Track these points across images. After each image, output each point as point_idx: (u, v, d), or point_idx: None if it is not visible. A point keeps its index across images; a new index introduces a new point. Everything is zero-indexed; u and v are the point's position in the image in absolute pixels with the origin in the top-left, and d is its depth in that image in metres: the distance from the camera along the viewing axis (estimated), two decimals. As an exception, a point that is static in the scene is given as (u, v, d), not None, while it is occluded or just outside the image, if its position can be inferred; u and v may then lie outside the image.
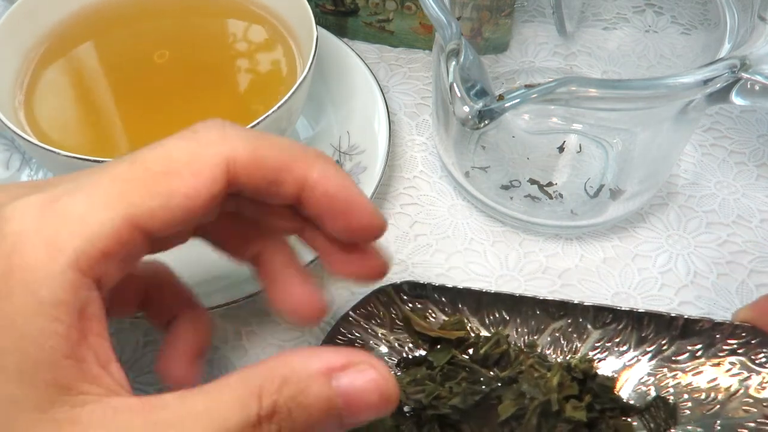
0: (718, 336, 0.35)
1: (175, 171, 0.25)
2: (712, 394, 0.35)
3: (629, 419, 0.35)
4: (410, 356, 0.37)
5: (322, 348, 0.25)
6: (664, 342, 0.36)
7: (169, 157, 0.25)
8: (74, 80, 0.44)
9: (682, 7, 0.47)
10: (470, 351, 0.37)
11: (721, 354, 0.35)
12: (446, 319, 0.38)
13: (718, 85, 0.33)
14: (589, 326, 0.37)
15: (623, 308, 0.36)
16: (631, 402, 0.35)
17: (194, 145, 0.26)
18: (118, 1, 0.47)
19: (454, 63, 0.32)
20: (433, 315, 0.38)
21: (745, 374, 0.35)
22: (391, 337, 0.37)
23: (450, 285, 0.38)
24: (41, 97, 0.43)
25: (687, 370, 0.35)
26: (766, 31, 0.34)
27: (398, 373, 0.36)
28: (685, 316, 0.35)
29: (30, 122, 0.42)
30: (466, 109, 0.30)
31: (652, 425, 0.34)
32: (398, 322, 0.38)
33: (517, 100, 0.31)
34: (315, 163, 0.28)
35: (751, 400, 0.34)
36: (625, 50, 0.51)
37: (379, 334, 0.37)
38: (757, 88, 0.33)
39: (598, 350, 0.36)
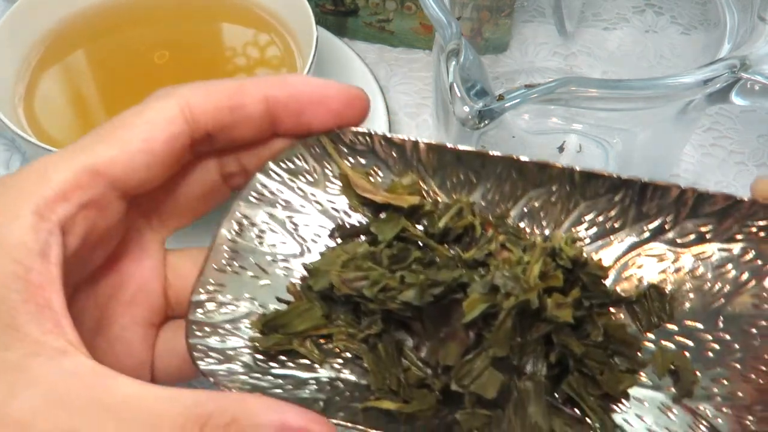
0: (733, 215, 0.28)
1: (129, 123, 0.27)
2: (718, 285, 0.29)
3: (619, 315, 0.29)
4: (348, 224, 0.30)
5: (283, 403, 0.23)
6: (668, 220, 0.29)
7: (124, 115, 0.27)
8: (74, 80, 0.44)
9: (682, 7, 0.47)
10: (425, 223, 0.30)
11: (734, 238, 0.28)
12: (396, 179, 0.30)
13: (718, 85, 0.33)
14: (576, 196, 0.29)
15: (622, 177, 0.29)
16: (621, 293, 0.29)
17: (146, 102, 0.28)
18: (118, 1, 0.47)
19: (454, 63, 0.32)
20: (380, 174, 0.30)
21: (760, 263, 0.28)
22: (324, 199, 0.30)
23: (402, 136, 0.30)
24: (41, 96, 0.43)
25: (692, 255, 0.29)
26: (766, 31, 0.34)
27: (332, 246, 0.30)
28: (698, 190, 0.28)
29: (30, 122, 0.42)
30: (466, 109, 0.31)
31: (642, 320, 0.29)
32: (333, 181, 0.30)
33: (517, 100, 0.31)
34: (265, 78, 0.29)
35: (764, 294, 0.28)
36: (625, 50, 0.51)
37: (309, 195, 0.30)
38: (757, 88, 0.33)
39: (585, 225, 0.30)
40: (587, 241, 0.30)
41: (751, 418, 0.27)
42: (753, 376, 0.27)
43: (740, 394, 0.27)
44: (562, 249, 0.27)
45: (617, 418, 0.27)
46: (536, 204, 0.30)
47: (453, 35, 0.33)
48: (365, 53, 0.53)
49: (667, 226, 0.29)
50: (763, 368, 0.27)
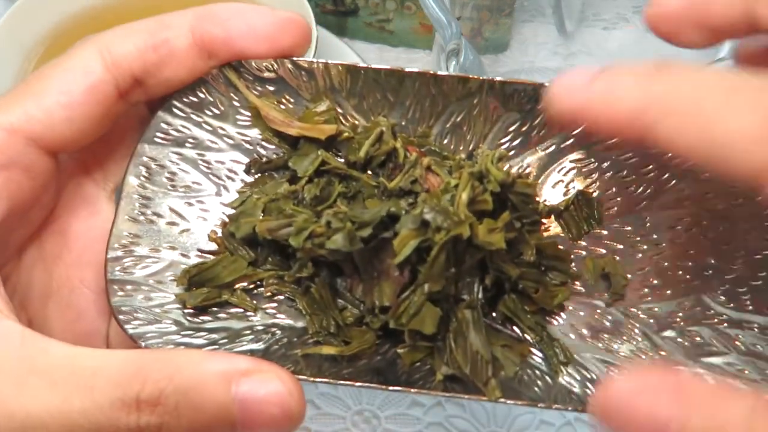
0: None
1: (46, 75, 0.25)
2: (643, 186, 0.28)
3: (549, 225, 0.28)
4: (264, 157, 0.29)
5: (228, 353, 0.22)
6: None
7: (43, 68, 0.26)
8: (74, 80, 0.44)
9: (682, 7, 0.47)
10: (344, 152, 0.29)
11: None
12: (309, 106, 0.28)
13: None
14: (499, 107, 0.28)
15: (545, 83, 0.27)
16: (550, 204, 0.29)
17: (66, 53, 0.26)
18: (118, 1, 0.47)
19: (454, 63, 0.32)
20: (291, 101, 0.29)
21: (680, 160, 0.28)
22: (234, 132, 0.29)
23: (311, 59, 0.28)
24: (41, 97, 0.43)
25: (618, 158, 0.28)
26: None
27: (249, 183, 0.29)
28: None
29: (30, 122, 0.42)
30: (466, 108, 0.30)
31: (572, 228, 0.28)
32: (243, 112, 0.29)
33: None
34: (189, 10, 0.27)
35: (686, 191, 0.28)
36: (625, 50, 0.51)
37: (217, 129, 0.28)
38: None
39: (509, 137, 0.29)
40: (512, 153, 0.29)
41: (681, 314, 0.27)
42: (680, 272, 0.27)
43: (669, 292, 0.27)
44: (489, 171, 0.26)
45: (555, 331, 0.27)
46: (458, 119, 0.29)
47: (453, 35, 0.33)
48: (365, 53, 0.53)
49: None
50: (690, 264, 0.27)
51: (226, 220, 0.28)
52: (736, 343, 0.26)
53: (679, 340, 0.27)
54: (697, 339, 0.26)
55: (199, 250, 0.28)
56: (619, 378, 0.19)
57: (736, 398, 0.18)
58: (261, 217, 0.27)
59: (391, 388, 0.25)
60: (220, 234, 0.28)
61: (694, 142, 0.19)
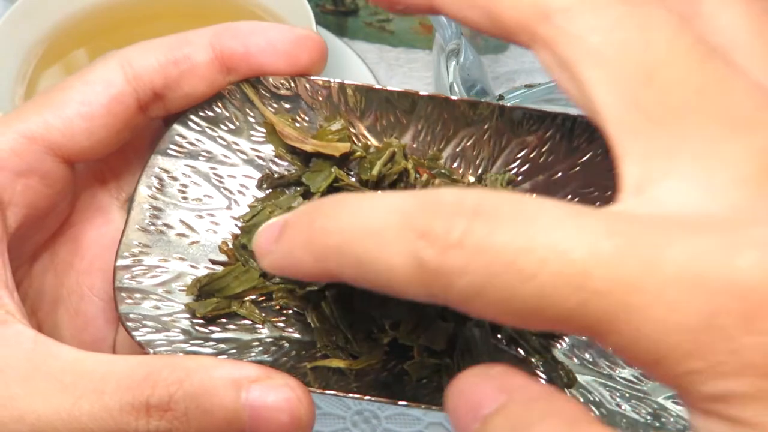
0: None
1: (68, 86, 0.26)
2: None
3: None
4: (276, 173, 0.29)
5: (238, 360, 0.22)
6: (598, 153, 0.29)
7: (66, 79, 0.26)
8: (74, 80, 0.44)
9: (682, 7, 0.47)
10: (356, 170, 0.29)
11: None
12: (323, 124, 0.29)
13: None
14: (508, 133, 0.29)
15: (551, 111, 0.28)
16: None
17: (89, 65, 0.26)
18: (118, 1, 0.47)
19: (454, 63, 0.32)
20: (306, 119, 0.29)
21: None
22: (248, 148, 0.29)
23: (327, 78, 0.29)
24: (41, 97, 0.43)
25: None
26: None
27: (261, 197, 0.29)
28: None
29: (30, 122, 0.42)
30: (466, 109, 0.31)
31: None
32: (257, 128, 0.29)
33: (517, 100, 0.31)
34: (210, 27, 0.27)
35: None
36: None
37: (231, 144, 0.29)
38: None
39: (517, 163, 0.29)
40: (520, 178, 0.29)
41: None
42: None
43: None
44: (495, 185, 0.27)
45: (558, 354, 0.27)
46: (468, 143, 0.29)
47: (453, 35, 0.33)
48: (365, 53, 0.53)
49: (597, 159, 0.29)
50: None
51: (237, 233, 0.28)
52: None
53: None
54: None
55: (211, 261, 0.28)
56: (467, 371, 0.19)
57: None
58: None
59: (400, 402, 0.25)
60: (231, 246, 0.28)
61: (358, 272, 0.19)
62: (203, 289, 0.27)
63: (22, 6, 0.43)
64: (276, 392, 0.22)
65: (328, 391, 0.25)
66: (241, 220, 0.28)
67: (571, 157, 0.29)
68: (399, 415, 0.43)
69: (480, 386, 0.18)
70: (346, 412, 0.42)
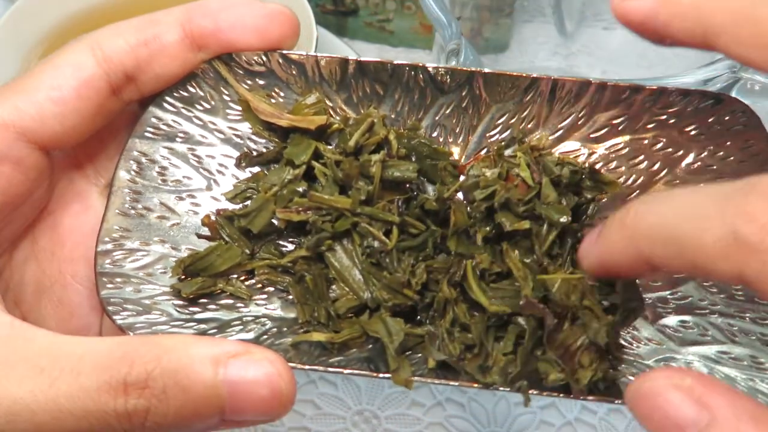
0: (644, 105, 0.28)
1: (38, 71, 0.25)
2: (633, 177, 0.29)
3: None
4: (254, 151, 0.29)
5: (216, 337, 0.22)
6: (580, 115, 0.29)
7: (37, 65, 0.26)
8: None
9: (682, 7, 0.47)
10: (333, 143, 0.29)
11: (646, 127, 0.29)
12: (299, 99, 0.29)
13: (718, 85, 0.33)
14: (487, 100, 0.29)
15: (531, 75, 0.28)
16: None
17: (60, 50, 0.26)
18: (118, 1, 0.47)
19: (454, 63, 0.32)
20: (281, 95, 0.29)
21: (671, 150, 0.28)
22: (225, 127, 0.29)
23: (301, 52, 0.28)
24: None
25: (605, 149, 0.29)
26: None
27: (246, 179, 0.29)
28: (608, 83, 0.28)
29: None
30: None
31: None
32: (233, 107, 0.29)
33: (517, 100, 0.31)
34: (179, 6, 0.27)
35: (676, 181, 0.28)
36: (625, 50, 0.51)
37: (208, 124, 0.29)
38: (756, 87, 0.33)
39: (498, 129, 0.29)
40: (503, 144, 0.29)
41: (673, 304, 0.27)
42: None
43: (659, 284, 0.28)
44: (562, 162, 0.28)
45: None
46: (447, 111, 0.29)
47: (453, 35, 0.33)
48: (365, 53, 0.53)
49: (580, 122, 0.29)
50: None
51: (221, 209, 0.28)
52: (728, 332, 0.26)
53: (672, 329, 0.27)
54: (690, 328, 0.27)
55: (197, 235, 0.28)
56: (656, 374, 0.20)
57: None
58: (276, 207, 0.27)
59: (381, 375, 0.25)
60: (213, 217, 0.28)
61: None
62: (188, 269, 0.27)
63: (22, 6, 0.43)
64: (255, 367, 0.22)
65: (308, 366, 0.25)
66: (223, 196, 0.28)
67: (553, 120, 0.29)
68: (399, 415, 0.43)
69: (677, 402, 0.19)
70: (347, 412, 0.42)
